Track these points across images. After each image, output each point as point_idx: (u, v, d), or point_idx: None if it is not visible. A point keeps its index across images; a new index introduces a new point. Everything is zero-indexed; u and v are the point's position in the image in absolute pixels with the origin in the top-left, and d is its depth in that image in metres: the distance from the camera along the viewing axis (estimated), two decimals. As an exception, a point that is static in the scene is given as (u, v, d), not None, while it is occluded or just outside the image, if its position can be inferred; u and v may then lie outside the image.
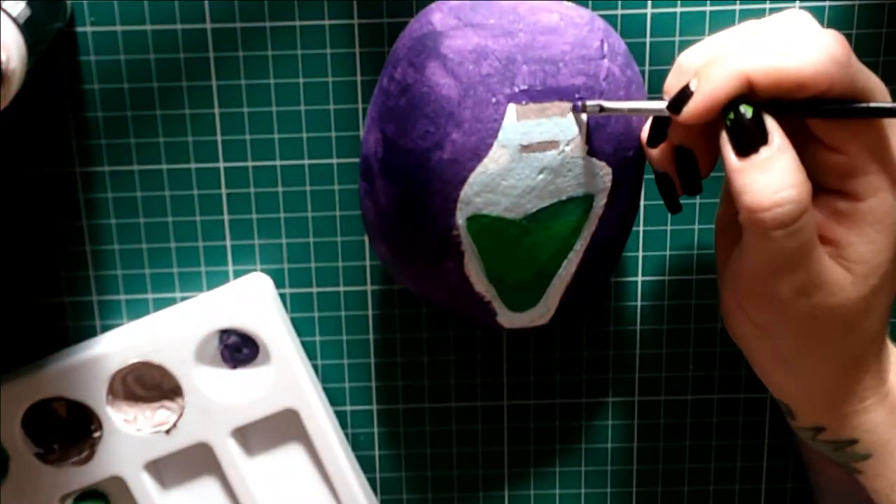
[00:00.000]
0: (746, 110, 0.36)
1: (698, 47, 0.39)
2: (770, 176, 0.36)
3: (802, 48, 0.36)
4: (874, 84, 0.37)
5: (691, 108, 0.37)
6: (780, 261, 0.38)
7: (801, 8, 0.46)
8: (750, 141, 0.36)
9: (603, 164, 0.41)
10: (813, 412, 0.42)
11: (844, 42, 0.36)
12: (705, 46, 0.39)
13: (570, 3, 0.41)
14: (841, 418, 0.42)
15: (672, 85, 0.39)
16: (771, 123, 0.37)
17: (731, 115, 0.37)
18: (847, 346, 0.40)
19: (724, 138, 0.37)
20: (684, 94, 0.37)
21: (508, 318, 0.45)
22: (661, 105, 0.38)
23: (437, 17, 0.40)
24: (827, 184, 0.39)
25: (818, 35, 0.36)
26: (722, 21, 0.46)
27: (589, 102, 0.39)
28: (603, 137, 0.41)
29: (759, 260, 0.38)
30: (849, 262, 0.39)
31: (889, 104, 0.36)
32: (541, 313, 0.45)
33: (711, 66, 0.37)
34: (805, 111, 0.37)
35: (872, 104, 0.37)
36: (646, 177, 0.48)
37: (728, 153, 0.37)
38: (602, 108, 0.39)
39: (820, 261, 0.38)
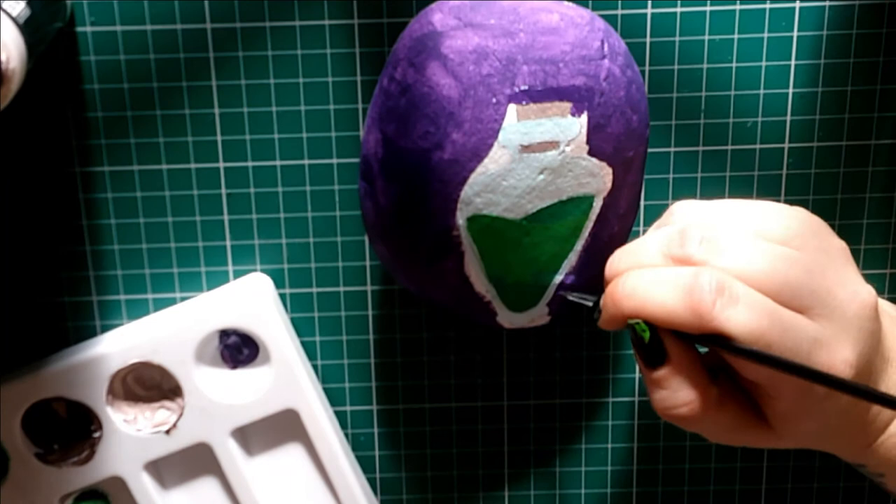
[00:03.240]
0: (643, 333, 0.38)
1: (616, 254, 0.40)
2: (664, 393, 0.38)
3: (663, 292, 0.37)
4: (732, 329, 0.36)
5: (600, 324, 0.40)
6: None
7: (801, 9, 0.46)
8: (649, 358, 0.39)
9: (603, 164, 0.41)
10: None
11: (699, 302, 0.36)
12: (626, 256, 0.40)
13: (570, 4, 0.41)
14: (847, 456, 0.43)
15: (611, 270, 0.40)
16: (669, 344, 0.38)
17: (631, 333, 0.39)
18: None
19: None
20: (596, 309, 0.40)
21: (508, 318, 0.45)
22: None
23: (437, 17, 0.40)
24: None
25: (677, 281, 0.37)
26: (722, 21, 0.46)
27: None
28: (603, 137, 0.40)
29: None
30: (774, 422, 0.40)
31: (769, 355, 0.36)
32: (541, 313, 0.45)
33: (608, 290, 0.39)
34: (703, 343, 0.37)
35: (751, 349, 0.36)
36: (646, 177, 0.48)
37: (637, 360, 0.39)
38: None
39: (743, 431, 0.40)
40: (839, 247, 0.39)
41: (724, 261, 0.37)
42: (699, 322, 0.36)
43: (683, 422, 0.39)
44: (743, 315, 0.36)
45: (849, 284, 0.38)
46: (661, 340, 0.38)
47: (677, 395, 0.38)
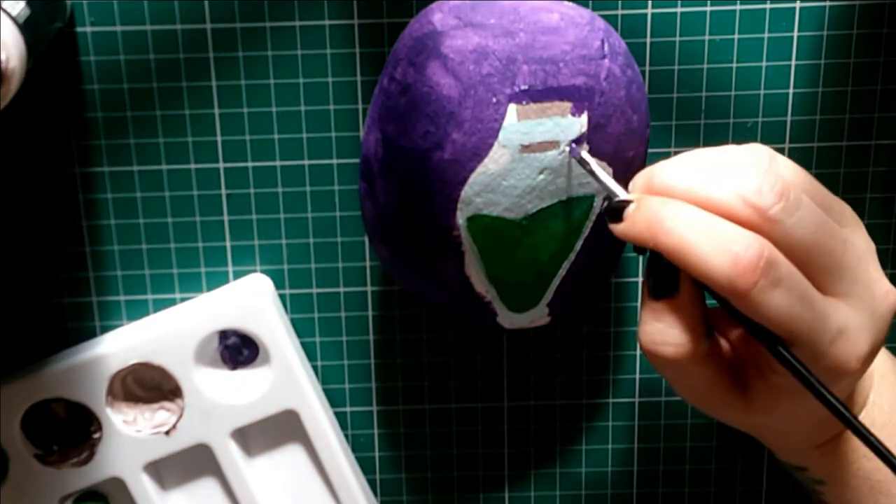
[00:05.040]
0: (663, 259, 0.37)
1: (674, 168, 0.37)
2: (657, 326, 0.37)
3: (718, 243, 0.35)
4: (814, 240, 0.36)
5: (617, 230, 0.38)
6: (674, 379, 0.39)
7: (801, 9, 0.46)
8: (657, 287, 0.37)
9: (603, 163, 0.41)
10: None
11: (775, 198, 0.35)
12: (679, 170, 0.37)
13: (570, 3, 0.41)
14: (791, 453, 0.44)
15: (635, 184, 0.38)
16: (685, 283, 0.37)
17: (651, 257, 0.37)
18: None
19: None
20: (619, 212, 0.37)
21: (509, 319, 0.45)
22: (616, 191, 0.38)
23: (437, 16, 0.40)
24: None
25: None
26: (722, 21, 0.46)
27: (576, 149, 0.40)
28: (603, 137, 0.40)
29: None
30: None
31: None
32: (541, 314, 0.45)
33: (646, 209, 0.37)
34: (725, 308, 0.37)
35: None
36: (646, 177, 0.48)
37: (642, 285, 0.38)
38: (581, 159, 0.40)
39: (717, 394, 0.39)
40: (873, 247, 0.40)
41: (792, 226, 0.36)
42: (734, 294, 0.35)
43: (663, 363, 0.37)
44: (778, 299, 0.35)
45: (884, 282, 0.38)
46: (677, 274, 0.37)
47: (669, 332, 0.37)
